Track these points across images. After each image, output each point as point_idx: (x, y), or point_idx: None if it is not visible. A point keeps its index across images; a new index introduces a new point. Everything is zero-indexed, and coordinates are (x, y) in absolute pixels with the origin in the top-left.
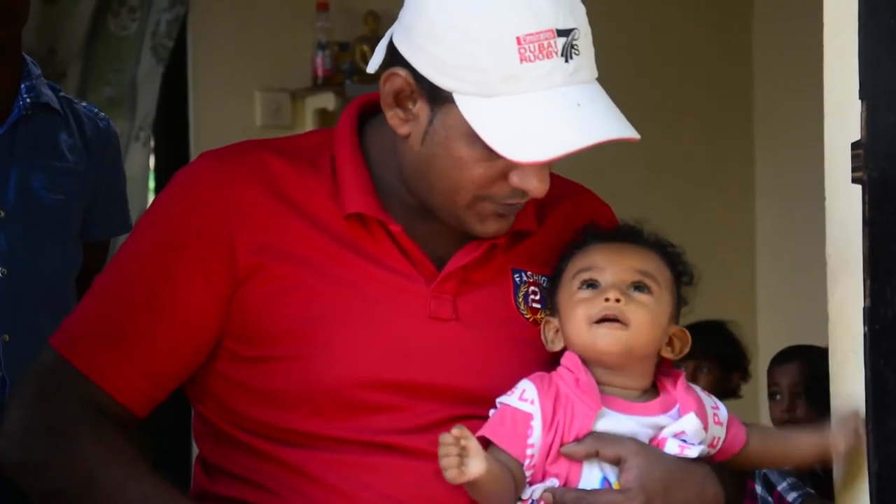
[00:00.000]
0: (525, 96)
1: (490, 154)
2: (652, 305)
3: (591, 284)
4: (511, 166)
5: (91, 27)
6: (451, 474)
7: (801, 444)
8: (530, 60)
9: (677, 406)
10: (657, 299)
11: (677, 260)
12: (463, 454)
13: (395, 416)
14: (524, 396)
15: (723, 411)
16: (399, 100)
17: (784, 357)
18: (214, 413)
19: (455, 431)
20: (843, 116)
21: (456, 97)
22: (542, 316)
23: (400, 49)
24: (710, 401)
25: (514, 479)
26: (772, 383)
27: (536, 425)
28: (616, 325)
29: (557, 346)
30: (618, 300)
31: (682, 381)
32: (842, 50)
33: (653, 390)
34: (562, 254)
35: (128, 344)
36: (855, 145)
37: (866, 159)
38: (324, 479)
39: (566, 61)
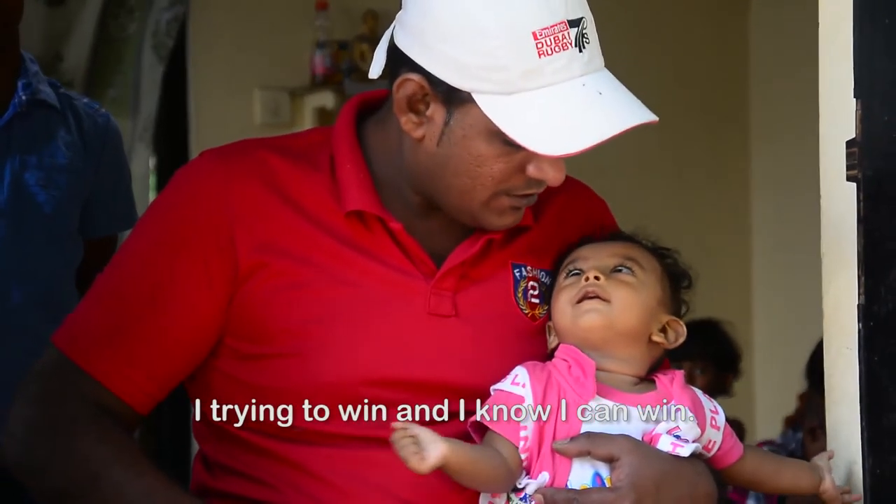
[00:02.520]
0: (547, 90)
1: (508, 149)
2: (634, 283)
3: (575, 273)
4: (528, 158)
5: (95, 31)
6: (414, 463)
7: (796, 477)
8: (548, 54)
9: (672, 402)
10: (641, 280)
11: (671, 261)
12: (416, 442)
13: (396, 413)
14: (516, 381)
15: (721, 417)
16: (412, 104)
17: None
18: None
19: (397, 425)
20: (838, 115)
21: (476, 97)
22: (542, 311)
23: (409, 53)
24: (709, 404)
25: (510, 463)
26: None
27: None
28: (596, 301)
29: (554, 343)
30: (597, 278)
31: (679, 379)
32: (837, 49)
33: (650, 384)
34: (557, 261)
35: (130, 342)
36: (850, 143)
37: (861, 157)
38: (323, 474)
39: (580, 51)
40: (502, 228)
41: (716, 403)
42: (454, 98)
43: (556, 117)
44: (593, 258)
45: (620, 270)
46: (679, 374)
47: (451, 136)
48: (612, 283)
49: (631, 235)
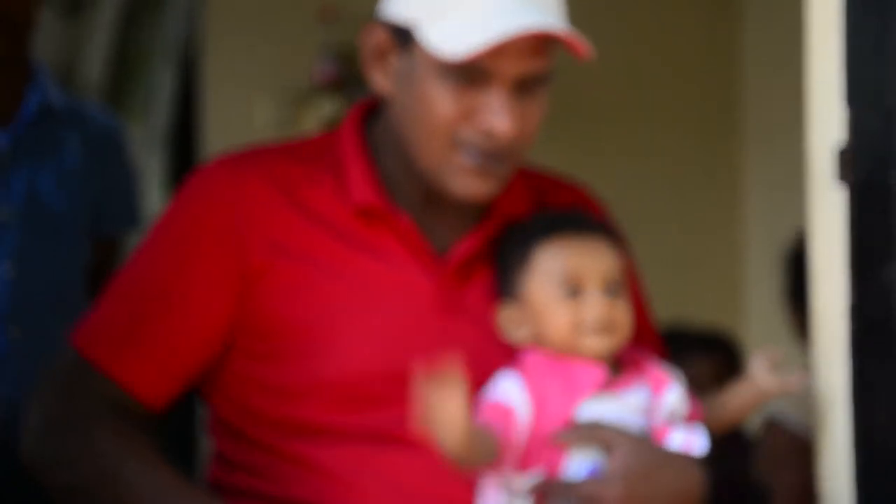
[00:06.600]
0: (476, 8)
1: (457, 87)
2: (628, 304)
3: (573, 289)
4: (477, 102)
5: (109, 41)
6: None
7: (739, 399)
8: None
9: (646, 383)
10: (626, 296)
11: (623, 242)
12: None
13: (402, 408)
14: (507, 391)
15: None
16: (378, 55)
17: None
18: (228, 410)
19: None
20: (828, 119)
21: (417, 29)
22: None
23: (381, 10)
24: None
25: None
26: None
27: (521, 415)
28: (604, 334)
29: (522, 337)
30: (605, 309)
31: (647, 355)
32: (826, 54)
33: (616, 364)
34: (514, 237)
35: (144, 342)
36: (840, 148)
37: (851, 162)
38: (332, 470)
39: None
40: (470, 196)
41: (669, 369)
42: (406, 40)
43: (473, 25)
44: (591, 279)
45: (616, 292)
46: (645, 350)
47: (408, 81)
48: (616, 308)
49: (589, 219)
